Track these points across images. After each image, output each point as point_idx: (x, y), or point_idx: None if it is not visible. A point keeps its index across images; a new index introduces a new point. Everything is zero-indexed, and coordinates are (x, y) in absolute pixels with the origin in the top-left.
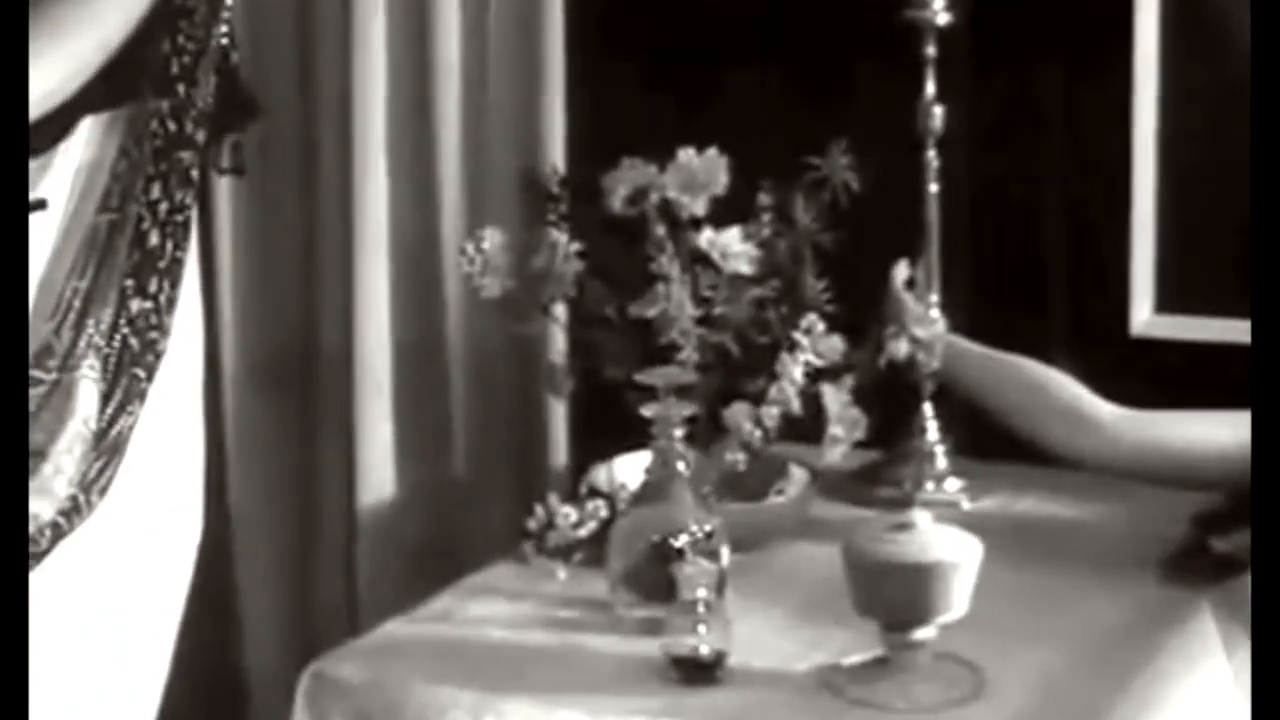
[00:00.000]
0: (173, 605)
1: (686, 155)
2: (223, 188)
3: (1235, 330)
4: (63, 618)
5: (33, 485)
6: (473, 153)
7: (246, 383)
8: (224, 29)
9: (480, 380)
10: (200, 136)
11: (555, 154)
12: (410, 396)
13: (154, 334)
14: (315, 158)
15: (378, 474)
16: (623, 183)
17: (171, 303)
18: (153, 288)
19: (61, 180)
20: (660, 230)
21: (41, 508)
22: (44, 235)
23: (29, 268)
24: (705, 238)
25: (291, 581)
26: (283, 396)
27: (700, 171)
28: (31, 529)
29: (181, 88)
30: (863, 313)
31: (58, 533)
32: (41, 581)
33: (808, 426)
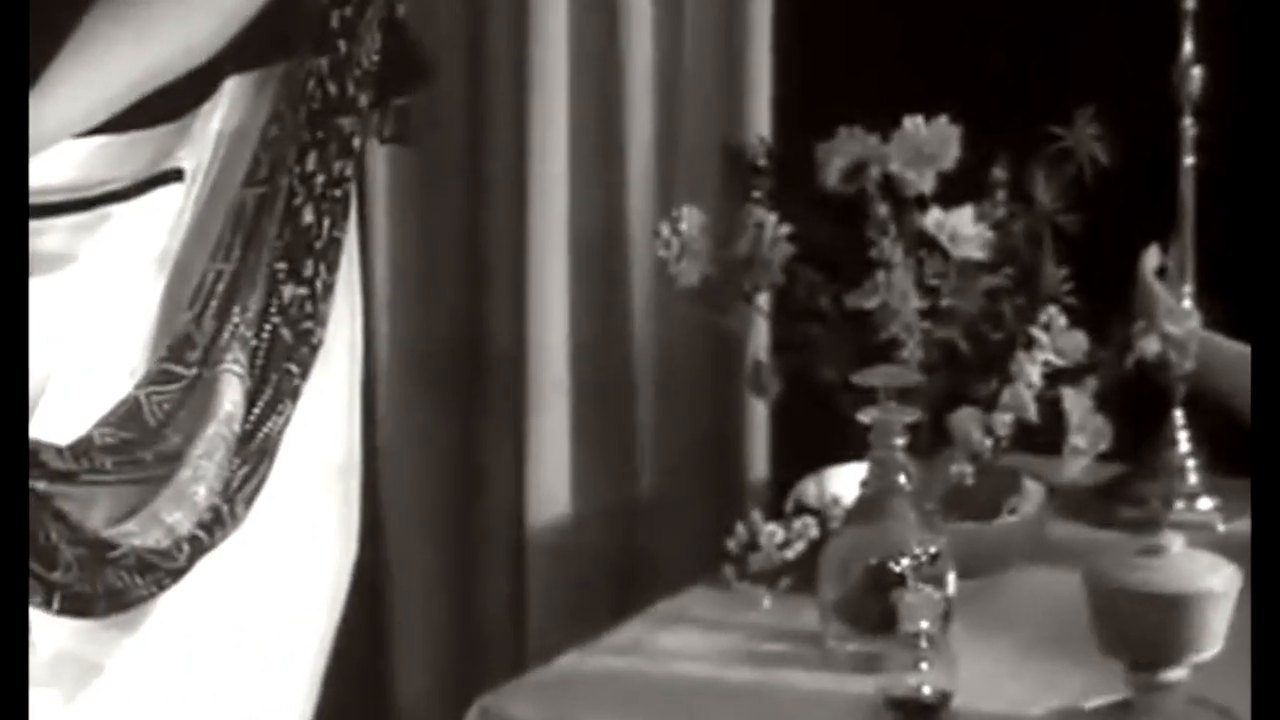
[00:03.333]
0: (323, 631)
1: (913, 124)
2: (379, 160)
3: None
4: (202, 642)
5: (169, 493)
6: (665, 121)
7: (404, 383)
8: None
9: (671, 381)
10: (363, 100)
11: (761, 122)
12: (590, 399)
13: (308, 324)
14: (485, 127)
15: (552, 486)
16: (839, 155)
17: (328, 289)
18: (307, 271)
19: (201, 149)
20: (882, 210)
21: (179, 519)
22: (180, 212)
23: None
24: (933, 219)
25: (453, 606)
26: (445, 399)
27: (928, 142)
28: (167, 542)
29: (342, 44)
30: (1108, 305)
31: (197, 547)
32: (178, 602)
33: (1045, 435)
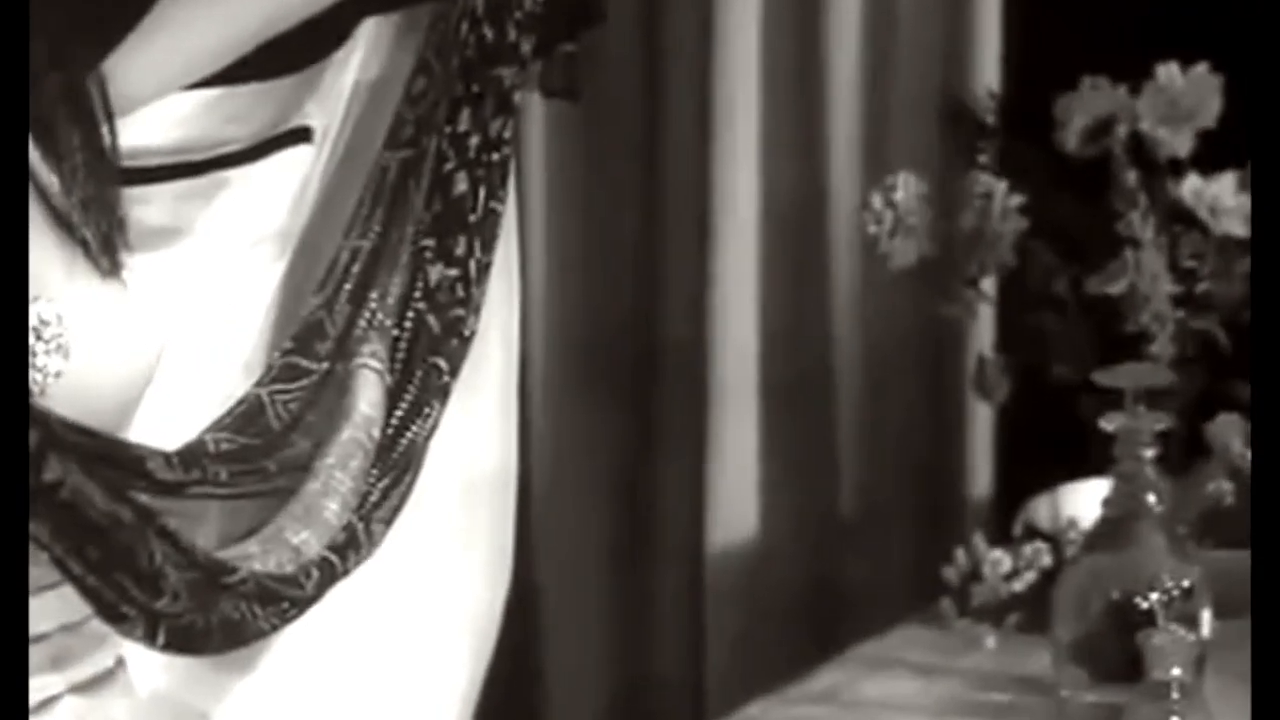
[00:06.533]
0: (470, 674)
1: (1167, 74)
2: (535, 118)
3: None
4: (327, 687)
5: (295, 509)
6: (875, 74)
7: (562, 382)
8: None
9: (878, 381)
10: (525, 47)
11: (988, 72)
12: (782, 402)
13: (459, 310)
14: (662, 78)
15: (736, 506)
16: (1081, 111)
17: (484, 269)
18: (459, 249)
19: (333, 104)
20: (1130, 177)
21: (306, 540)
22: (308, 178)
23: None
24: (1189, 187)
25: (619, 647)
26: (610, 402)
27: (1184, 95)
28: (292, 567)
29: None
30: None
31: (328, 573)
32: (306, 636)
33: None
